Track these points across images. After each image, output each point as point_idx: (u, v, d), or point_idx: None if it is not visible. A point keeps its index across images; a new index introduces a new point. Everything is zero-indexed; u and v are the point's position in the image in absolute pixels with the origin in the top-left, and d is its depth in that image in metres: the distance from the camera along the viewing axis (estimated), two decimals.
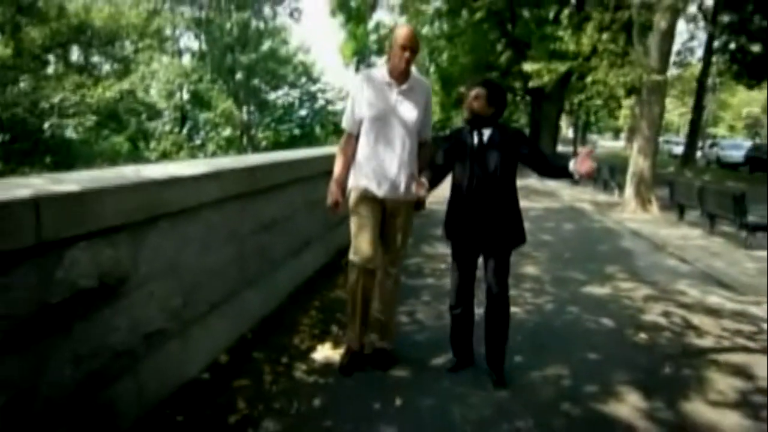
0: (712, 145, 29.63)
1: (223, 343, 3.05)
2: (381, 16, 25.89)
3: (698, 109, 21.87)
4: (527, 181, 2.80)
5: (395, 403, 2.61)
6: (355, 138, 2.92)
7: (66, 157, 15.26)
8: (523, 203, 3.04)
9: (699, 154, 26.19)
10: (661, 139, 41.54)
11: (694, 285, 5.02)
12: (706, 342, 3.60)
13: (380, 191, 2.84)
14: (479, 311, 3.00)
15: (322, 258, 4.97)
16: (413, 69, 2.92)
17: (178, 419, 2.38)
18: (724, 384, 2.96)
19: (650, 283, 5.03)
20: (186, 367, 2.69)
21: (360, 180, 2.88)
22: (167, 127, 25.42)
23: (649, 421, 2.54)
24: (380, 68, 2.97)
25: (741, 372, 3.12)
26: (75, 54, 19.98)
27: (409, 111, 2.84)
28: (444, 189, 2.96)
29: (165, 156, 21.53)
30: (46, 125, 14.79)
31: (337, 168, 2.96)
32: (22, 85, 14.36)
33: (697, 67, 22.24)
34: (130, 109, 21.32)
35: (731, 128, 51.58)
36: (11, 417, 1.67)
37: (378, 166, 2.83)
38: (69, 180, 2.06)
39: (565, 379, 2.94)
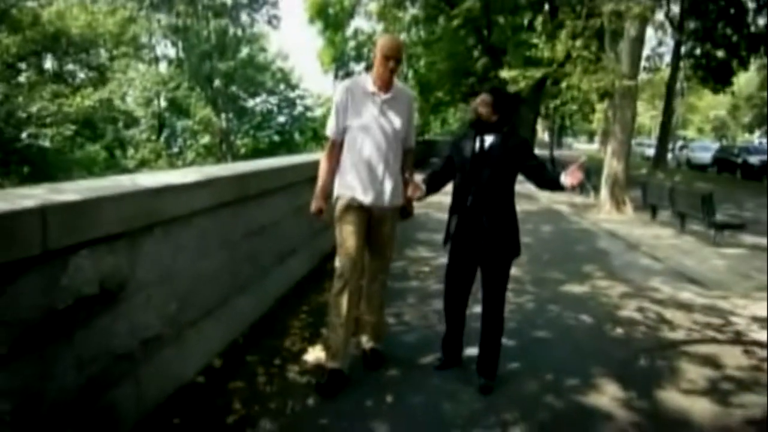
0: (682, 147, 30.61)
1: (216, 347, 3.11)
2: (359, 23, 26.09)
3: (668, 112, 22.56)
4: None
5: (387, 400, 2.72)
6: (339, 145, 2.94)
7: (43, 167, 14.98)
8: None
9: (670, 156, 27.00)
10: (633, 141, 42.47)
11: (666, 282, 5.26)
12: (678, 335, 3.80)
13: (366, 199, 2.87)
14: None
15: (308, 263, 5.04)
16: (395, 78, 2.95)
17: (176, 422, 2.44)
18: (695, 373, 3.15)
19: (626, 281, 5.24)
20: (182, 371, 2.74)
21: (345, 188, 2.91)
22: (144, 135, 25.13)
23: (627, 410, 2.70)
24: (364, 77, 3.01)
25: (710, 362, 3.31)
26: (48, 62, 19.66)
27: (393, 120, 2.88)
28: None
29: (143, 164, 21.29)
30: (23, 135, 14.48)
31: (322, 175, 2.99)
32: None
33: (666, 72, 22.98)
34: (108, 117, 21.03)
35: (700, 130, 53.26)
36: (21, 420, 1.73)
37: (364, 174, 2.86)
38: (69, 189, 2.12)
39: (548, 374, 3.08)
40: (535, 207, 10.53)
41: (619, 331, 3.85)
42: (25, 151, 15.39)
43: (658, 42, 21.70)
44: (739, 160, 21.62)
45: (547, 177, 2.81)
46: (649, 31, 21.56)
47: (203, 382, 2.82)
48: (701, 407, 2.75)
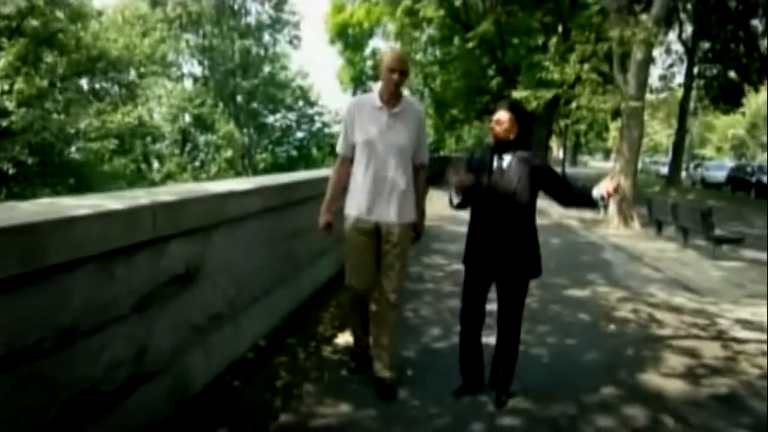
0: (696, 166, 30.75)
1: (262, 330, 3.66)
2: (377, 43, 26.99)
3: (681, 131, 22.88)
4: None
5: (407, 374, 3.24)
6: (349, 162, 2.97)
7: (82, 180, 16.04)
8: None
9: (684, 174, 27.22)
10: (648, 160, 42.23)
11: (662, 289, 5.69)
12: (666, 332, 4.25)
13: (373, 216, 2.86)
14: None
15: (335, 265, 5.57)
16: (406, 93, 3.06)
17: (236, 384, 2.99)
18: (675, 361, 3.61)
19: (624, 287, 5.70)
20: (236, 347, 3.30)
21: (352, 207, 2.91)
22: (168, 150, 26.25)
23: (610, 386, 3.17)
24: (372, 93, 3.01)
25: (690, 353, 3.77)
26: (83, 81, 20.85)
27: (400, 134, 2.85)
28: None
29: (169, 177, 22.26)
30: (73, 149, 15.65)
31: (329, 190, 3.04)
32: (38, 112, 15.21)
33: (681, 92, 23.37)
34: (138, 132, 22.15)
35: (718, 149, 53.02)
36: (135, 365, 2.29)
37: (370, 190, 2.85)
38: (162, 192, 2.71)
39: (543, 358, 3.58)
40: (546, 221, 10.96)
41: (612, 327, 4.31)
42: (65, 165, 16.53)
43: (670, 63, 22.14)
44: (753, 179, 21.79)
45: (574, 194, 2.76)
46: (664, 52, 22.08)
47: (253, 357, 3.37)
48: (675, 386, 3.21)
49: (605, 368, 3.43)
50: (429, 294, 5.12)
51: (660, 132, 50.87)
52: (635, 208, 10.86)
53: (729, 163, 31.17)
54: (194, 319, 2.81)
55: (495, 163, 2.71)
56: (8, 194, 14.39)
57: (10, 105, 14.29)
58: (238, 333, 3.32)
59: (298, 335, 3.77)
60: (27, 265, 1.69)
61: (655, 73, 25.55)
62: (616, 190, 2.62)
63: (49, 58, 16.11)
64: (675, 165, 23.35)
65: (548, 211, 12.50)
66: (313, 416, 2.70)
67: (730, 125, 47.87)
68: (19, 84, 14.31)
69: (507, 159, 2.69)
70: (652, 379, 3.32)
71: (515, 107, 2.75)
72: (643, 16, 10.71)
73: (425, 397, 2.95)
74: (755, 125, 44.42)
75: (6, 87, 14.32)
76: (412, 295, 5.07)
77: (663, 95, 27.08)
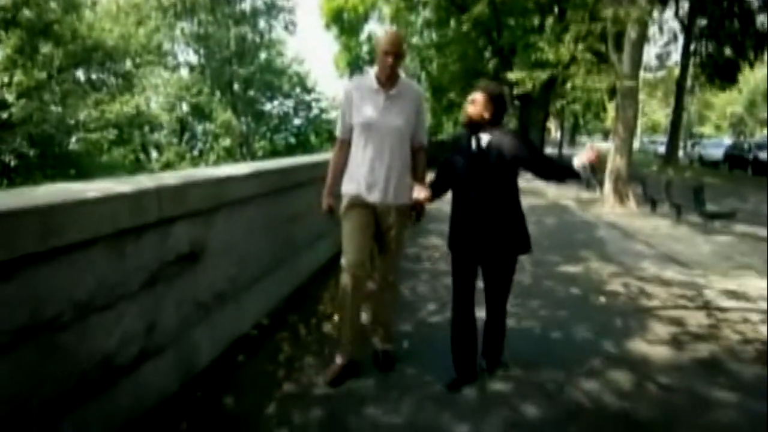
0: (693, 145, 30.77)
1: (263, 308, 3.81)
2: (373, 27, 26.87)
3: (678, 109, 22.89)
4: None
5: (404, 347, 3.40)
6: (347, 144, 2.99)
7: (82, 170, 16.19)
8: None
9: (682, 153, 27.28)
10: (646, 139, 42.21)
11: (653, 263, 5.84)
12: (654, 303, 4.41)
13: (370, 197, 2.89)
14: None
15: (332, 248, 5.72)
16: (403, 74, 2.93)
17: (240, 359, 3.15)
18: (661, 330, 3.77)
19: (617, 263, 5.85)
20: (239, 324, 3.45)
21: (350, 186, 2.94)
22: (166, 139, 26.29)
23: (597, 354, 3.34)
24: (369, 75, 2.99)
25: (676, 322, 3.93)
26: (80, 71, 20.83)
27: (396, 116, 2.86)
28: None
29: (168, 166, 22.34)
30: (72, 140, 15.81)
31: (330, 174, 3.06)
32: (36, 104, 15.28)
33: (677, 70, 23.34)
34: (136, 122, 22.21)
35: (717, 127, 52.93)
36: (145, 339, 2.44)
37: (368, 172, 2.87)
38: (166, 177, 2.84)
39: (535, 329, 3.74)
40: (542, 202, 11.10)
41: (602, 300, 4.47)
42: (65, 156, 16.67)
43: (666, 41, 22.07)
44: (750, 156, 21.82)
45: (554, 167, 2.79)
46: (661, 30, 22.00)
47: (256, 334, 3.52)
48: (659, 352, 3.38)
49: (594, 338, 3.59)
50: (425, 273, 5.27)
51: (658, 111, 50.84)
52: (631, 187, 10.98)
53: (727, 140, 31.18)
54: (199, 297, 2.96)
55: (473, 144, 2.74)
56: (10, 185, 14.57)
57: (9, 97, 14.42)
58: (241, 311, 3.48)
59: (299, 313, 3.93)
60: (44, 244, 1.83)
61: (652, 51, 25.54)
62: (598, 158, 2.66)
63: (45, 49, 16.18)
64: (672, 143, 23.41)
65: (544, 191, 12.64)
66: (315, 386, 2.86)
67: (728, 103, 47.71)
68: (18, 76, 14.40)
69: (484, 138, 2.72)
70: (638, 346, 3.48)
71: (487, 88, 2.77)
72: None
73: (421, 367, 3.11)
74: (753, 102, 44.30)
75: (6, 80, 14.42)
76: (410, 274, 5.21)
77: (660, 74, 27.11)
